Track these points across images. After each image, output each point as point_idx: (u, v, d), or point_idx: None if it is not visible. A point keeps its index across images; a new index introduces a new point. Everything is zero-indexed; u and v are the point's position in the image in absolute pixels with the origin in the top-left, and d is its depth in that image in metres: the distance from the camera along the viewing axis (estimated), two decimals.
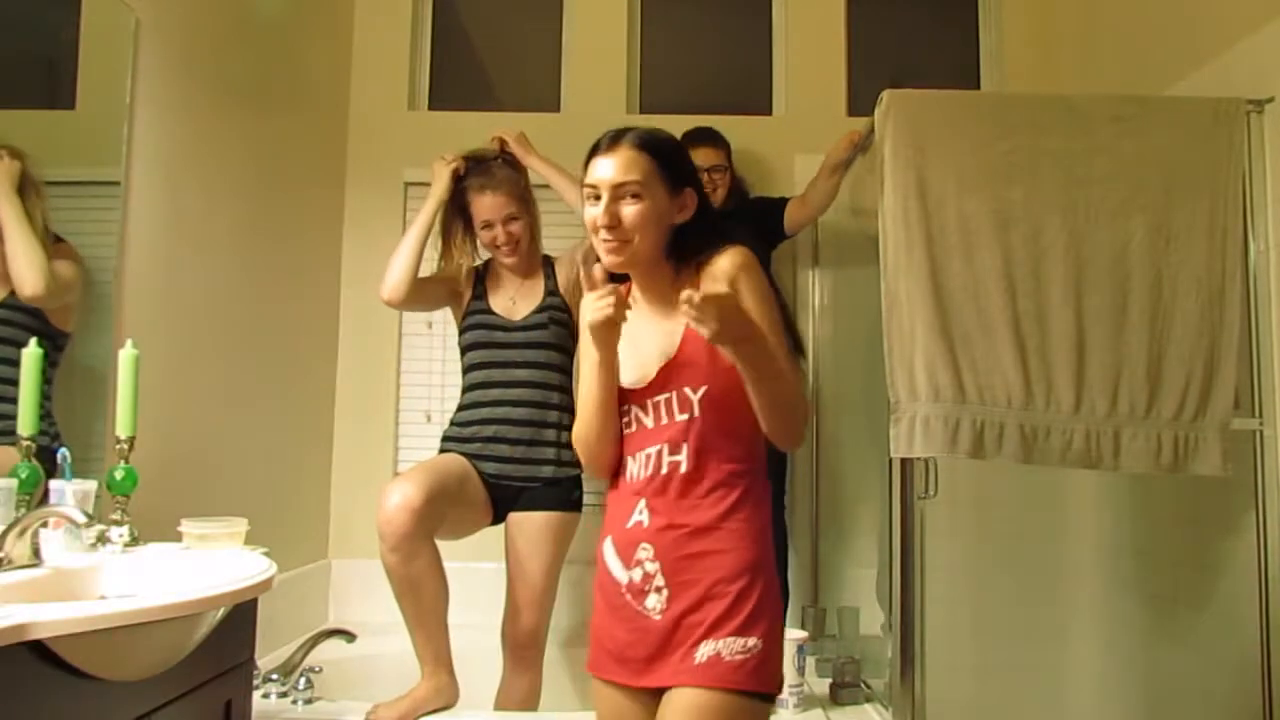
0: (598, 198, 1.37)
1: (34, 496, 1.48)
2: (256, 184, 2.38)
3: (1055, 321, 1.92)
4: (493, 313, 2.28)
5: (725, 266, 1.38)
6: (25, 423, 1.49)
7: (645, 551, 1.36)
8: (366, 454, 2.91)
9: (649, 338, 1.42)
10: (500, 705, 2.17)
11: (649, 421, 1.39)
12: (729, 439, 1.37)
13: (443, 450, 2.24)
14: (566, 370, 2.31)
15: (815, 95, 3.04)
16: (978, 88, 3.12)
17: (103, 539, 1.42)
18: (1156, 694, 2.33)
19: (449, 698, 2.01)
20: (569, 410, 2.29)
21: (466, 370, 2.29)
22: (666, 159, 1.39)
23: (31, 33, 1.69)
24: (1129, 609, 2.45)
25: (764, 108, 3.12)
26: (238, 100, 2.28)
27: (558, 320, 2.29)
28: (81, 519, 1.33)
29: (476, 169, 2.28)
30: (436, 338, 2.90)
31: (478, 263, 2.35)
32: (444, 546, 2.09)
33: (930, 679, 1.99)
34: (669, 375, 1.38)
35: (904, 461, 1.97)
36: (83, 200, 1.77)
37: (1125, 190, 1.96)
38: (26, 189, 1.58)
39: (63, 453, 1.52)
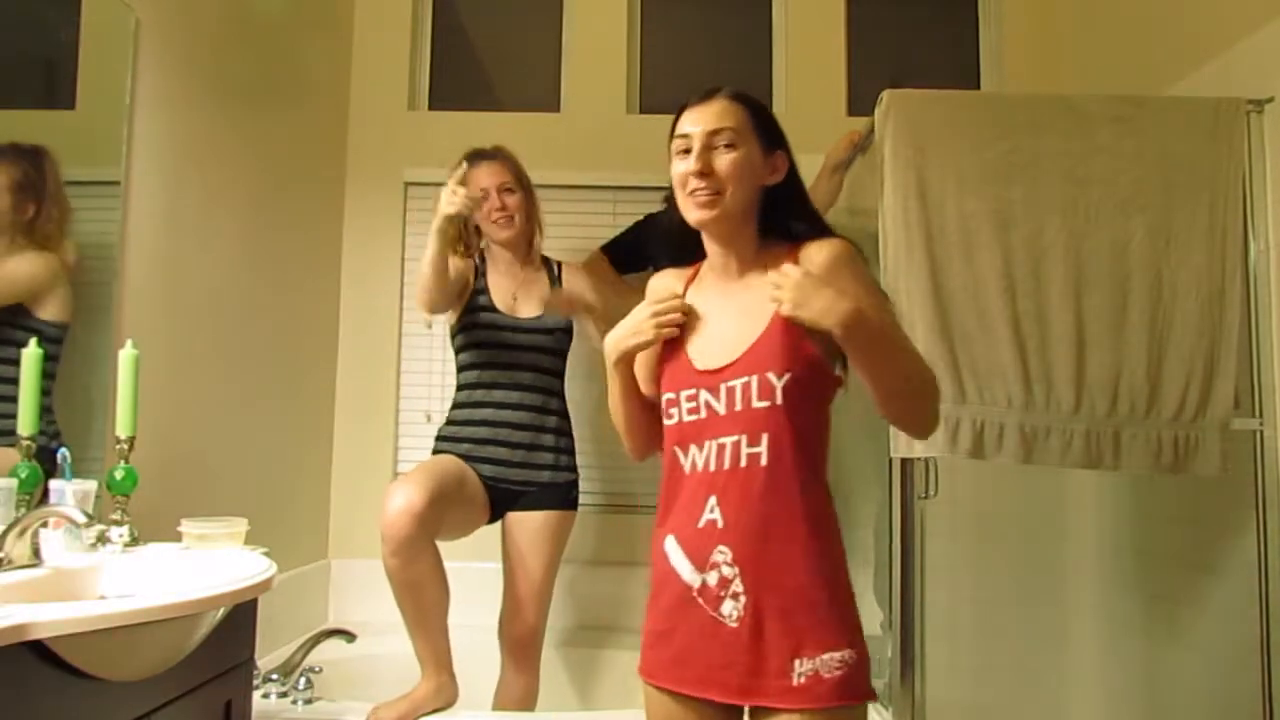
0: (687, 151, 1.29)
1: (34, 496, 1.48)
2: (256, 184, 2.38)
3: (1055, 321, 1.92)
4: (495, 309, 2.24)
5: (823, 258, 1.28)
6: (25, 422, 1.49)
7: (723, 554, 1.24)
8: (366, 454, 2.91)
9: (726, 315, 1.32)
10: (498, 705, 2.17)
11: (720, 407, 1.26)
12: (809, 433, 1.26)
13: (438, 450, 2.23)
14: (562, 376, 2.31)
15: (815, 95, 3.04)
16: (978, 88, 3.12)
17: (103, 539, 1.42)
18: (1156, 694, 2.33)
19: (449, 698, 2.01)
20: (567, 416, 2.31)
21: (465, 367, 2.27)
22: (760, 114, 1.33)
23: (31, 33, 1.69)
24: (1129, 609, 2.45)
25: None
26: (238, 100, 2.28)
27: (565, 329, 2.30)
28: (81, 519, 1.33)
29: (473, 153, 2.26)
30: (436, 338, 2.90)
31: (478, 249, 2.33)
32: (442, 546, 2.09)
33: (930, 679, 1.99)
34: (750, 358, 1.26)
35: (904, 461, 1.97)
36: (83, 200, 1.77)
37: (1125, 190, 1.96)
38: (27, 191, 1.59)
39: (63, 453, 1.52)
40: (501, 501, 2.20)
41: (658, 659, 1.31)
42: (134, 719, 1.22)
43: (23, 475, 1.46)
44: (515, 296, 2.27)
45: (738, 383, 1.25)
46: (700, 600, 1.25)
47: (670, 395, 1.32)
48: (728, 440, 1.25)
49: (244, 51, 2.33)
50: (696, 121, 1.30)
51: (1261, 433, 1.97)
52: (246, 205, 2.33)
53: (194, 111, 2.09)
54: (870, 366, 1.23)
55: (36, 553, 1.35)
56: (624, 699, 2.40)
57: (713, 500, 1.25)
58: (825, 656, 1.21)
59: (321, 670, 2.12)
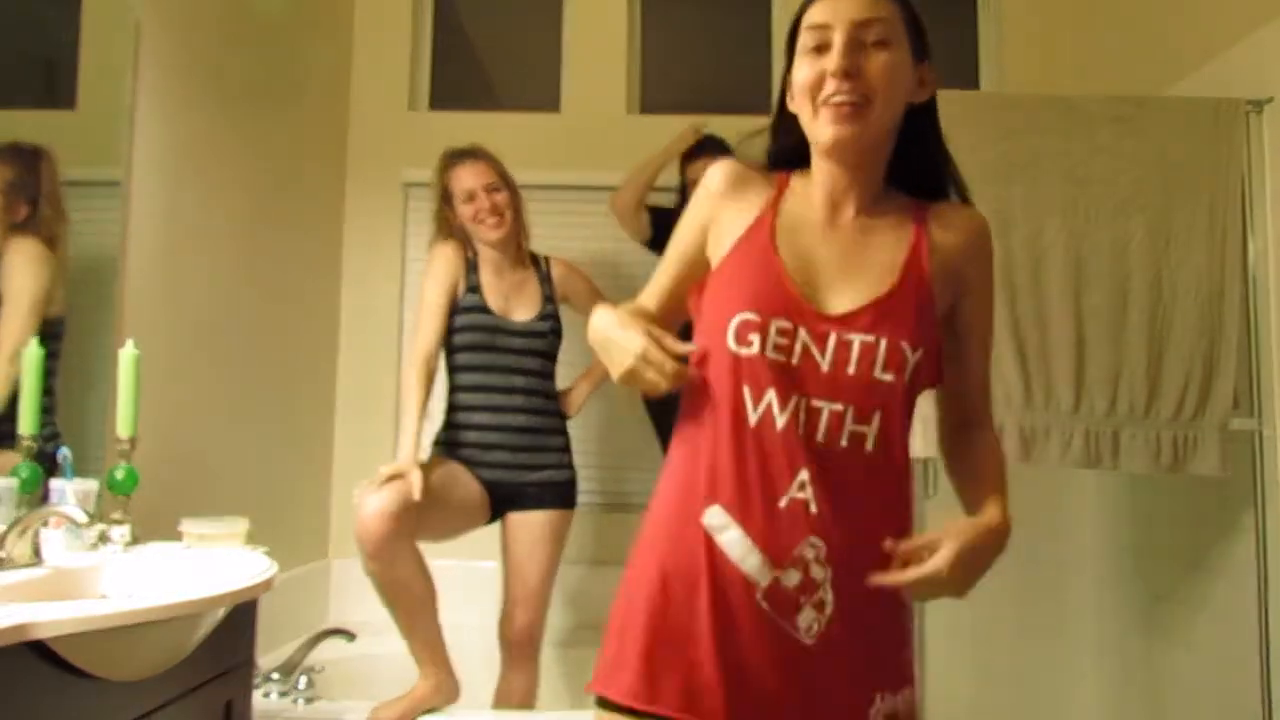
0: (820, 48, 1.00)
1: (34, 496, 1.48)
2: (257, 184, 2.38)
3: (1055, 321, 1.93)
4: (489, 311, 2.22)
5: (968, 227, 1.06)
6: (25, 422, 1.49)
7: (814, 548, 0.95)
8: (366, 454, 2.90)
9: (832, 252, 1.03)
10: (498, 704, 2.17)
11: (824, 362, 0.98)
12: (909, 423, 1.03)
13: (438, 454, 2.21)
14: (554, 376, 2.31)
15: None
16: (978, 88, 3.12)
17: (103, 539, 1.43)
18: (1156, 694, 2.33)
19: (449, 694, 2.01)
20: (561, 414, 2.31)
21: (459, 369, 2.24)
22: (911, 11, 1.06)
23: (31, 33, 1.69)
24: (1129, 609, 2.45)
25: (764, 108, 3.09)
26: (238, 100, 2.28)
27: (557, 331, 2.28)
28: (82, 519, 1.34)
29: (452, 153, 2.25)
30: None
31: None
32: (442, 545, 2.09)
33: (930, 679, 1.99)
34: (878, 313, 0.99)
35: None
36: (83, 200, 1.77)
37: (1125, 190, 1.96)
38: (20, 191, 1.58)
39: (63, 452, 1.52)
40: (502, 502, 2.20)
41: (658, 680, 0.96)
42: (134, 719, 1.22)
43: (23, 475, 1.46)
44: (507, 298, 2.25)
45: (857, 339, 0.98)
46: (765, 604, 0.95)
47: (751, 316, 0.98)
48: (826, 406, 0.97)
49: (244, 52, 2.33)
50: (839, 9, 0.99)
51: (1261, 433, 1.97)
52: (246, 205, 2.33)
53: (194, 111, 2.09)
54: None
55: (37, 553, 1.35)
56: None
57: (804, 475, 0.96)
58: (905, 693, 1.00)
59: (321, 670, 2.12)
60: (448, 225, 2.23)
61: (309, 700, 2.04)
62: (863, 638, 0.97)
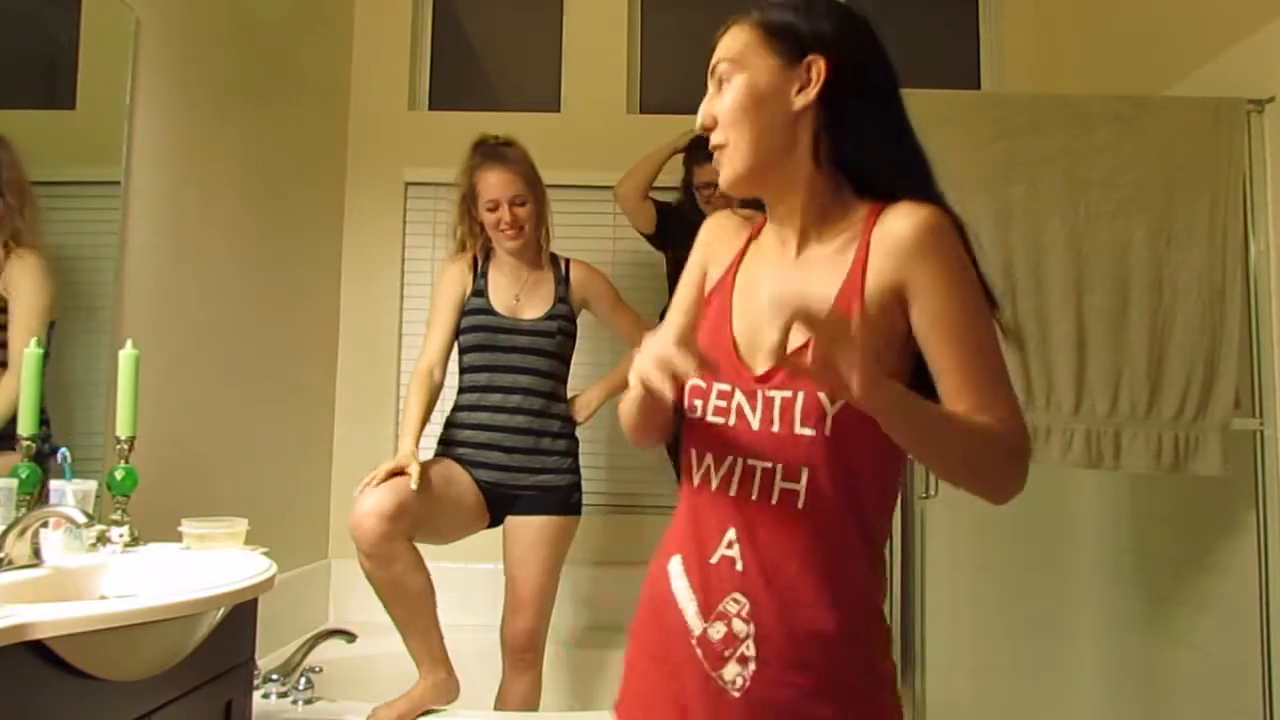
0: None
1: (34, 496, 1.48)
2: (257, 184, 2.38)
3: (1055, 321, 1.92)
4: (493, 311, 2.19)
5: (909, 230, 0.95)
6: (25, 423, 1.49)
7: (737, 604, 0.96)
8: (366, 454, 2.90)
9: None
10: (500, 707, 2.17)
11: (754, 421, 0.97)
12: (865, 474, 0.97)
13: (437, 453, 2.21)
14: (566, 379, 2.26)
15: None
16: (978, 88, 3.12)
17: (103, 539, 1.43)
18: (1156, 694, 2.33)
19: (448, 693, 2.00)
20: (570, 418, 2.27)
21: (466, 369, 2.23)
22: (773, 22, 1.00)
23: (31, 33, 1.69)
24: (1129, 609, 2.45)
25: None
26: (238, 100, 2.28)
27: (566, 331, 2.24)
28: (82, 519, 1.33)
29: (486, 149, 2.21)
30: None
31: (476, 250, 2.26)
32: (443, 548, 2.09)
33: (930, 679, 1.99)
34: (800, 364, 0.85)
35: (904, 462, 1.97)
36: (83, 200, 1.77)
37: (1125, 190, 1.96)
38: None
39: (63, 453, 1.52)
40: (501, 503, 2.18)
41: (631, 698, 1.08)
42: (134, 719, 1.22)
43: (23, 475, 1.46)
44: (518, 298, 2.21)
45: (778, 395, 0.95)
46: (699, 650, 0.98)
47: (698, 382, 1.01)
48: (757, 465, 0.97)
49: (244, 51, 2.33)
50: (715, 53, 1.02)
51: (1261, 433, 1.97)
52: (246, 205, 2.33)
53: (194, 111, 2.08)
54: (909, 449, 0.95)
55: (37, 553, 1.35)
56: None
57: (732, 534, 0.98)
58: None
59: (321, 670, 2.12)
60: (468, 218, 2.22)
61: (309, 701, 2.04)
62: (796, 699, 0.95)
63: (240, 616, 1.46)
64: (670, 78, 3.15)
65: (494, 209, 2.17)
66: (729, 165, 1.00)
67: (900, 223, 0.96)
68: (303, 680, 2.06)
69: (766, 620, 0.95)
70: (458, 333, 2.21)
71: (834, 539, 0.96)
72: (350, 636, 2.24)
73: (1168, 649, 2.29)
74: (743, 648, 0.95)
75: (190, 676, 1.33)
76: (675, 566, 1.02)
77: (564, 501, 2.20)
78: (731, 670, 0.96)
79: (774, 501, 0.96)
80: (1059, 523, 2.63)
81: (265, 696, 2.01)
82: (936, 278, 0.95)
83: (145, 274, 1.89)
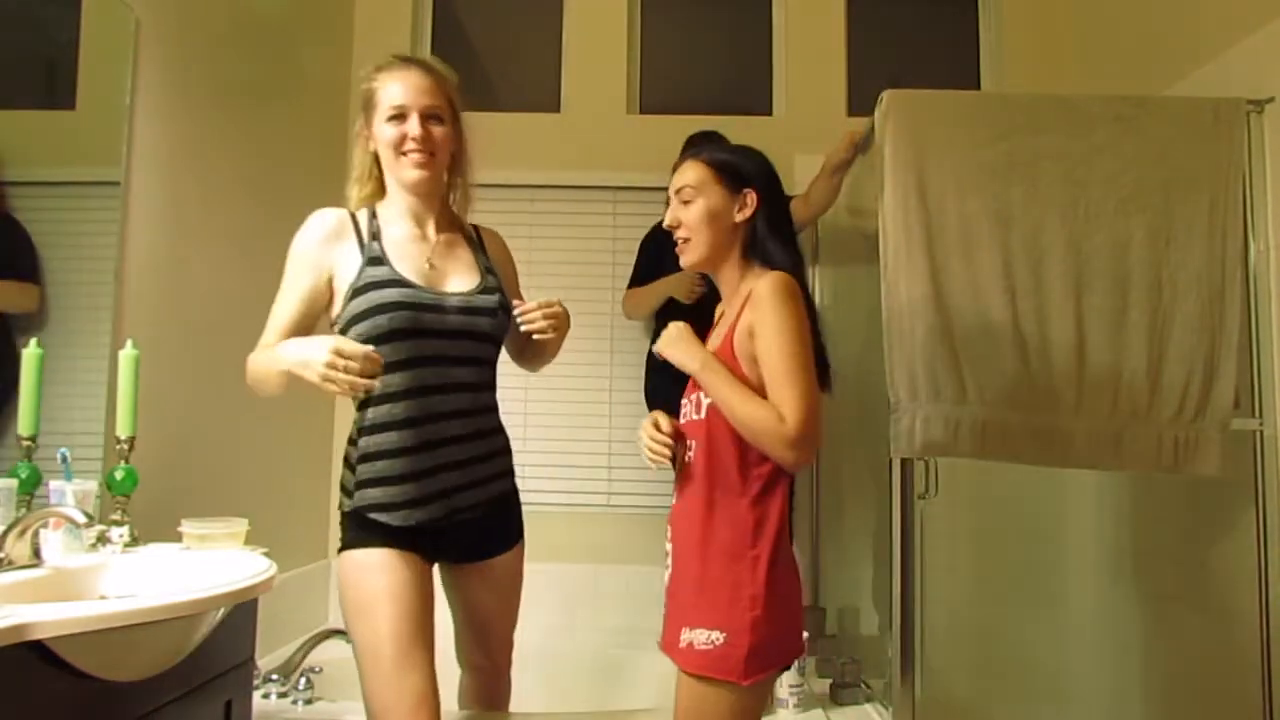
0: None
1: (34, 496, 1.48)
2: (257, 184, 2.38)
3: (1055, 321, 1.92)
4: (407, 283, 1.57)
5: (756, 290, 1.41)
6: (25, 423, 1.49)
7: (670, 531, 1.55)
8: None
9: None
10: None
11: (690, 411, 1.52)
12: (726, 445, 1.43)
13: (355, 516, 1.58)
14: (495, 365, 1.72)
15: (815, 95, 3.04)
16: (978, 88, 3.12)
17: (103, 539, 1.43)
18: (1156, 694, 2.34)
19: None
20: (497, 409, 1.74)
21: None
22: (720, 161, 1.51)
23: (31, 33, 1.69)
24: (1129, 609, 2.45)
25: (764, 108, 3.12)
26: (238, 100, 2.28)
27: (505, 307, 1.65)
28: (81, 519, 1.33)
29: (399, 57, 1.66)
30: None
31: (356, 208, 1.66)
32: None
33: (930, 679, 1.99)
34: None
35: (904, 461, 1.97)
36: (83, 200, 1.77)
37: (1125, 190, 1.96)
38: None
39: (63, 453, 1.52)
40: (441, 537, 1.62)
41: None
42: (134, 719, 1.22)
43: (23, 475, 1.46)
44: (431, 264, 1.62)
45: (695, 395, 1.50)
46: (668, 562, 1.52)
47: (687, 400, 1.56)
48: (692, 442, 1.50)
49: (244, 51, 2.33)
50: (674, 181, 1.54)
51: (1261, 433, 1.97)
52: (246, 206, 2.33)
53: (194, 112, 2.09)
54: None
55: (37, 553, 1.35)
56: (634, 699, 2.41)
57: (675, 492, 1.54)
58: (713, 634, 1.39)
59: (321, 670, 2.12)
60: (362, 151, 1.67)
61: (309, 701, 2.04)
62: (682, 588, 1.45)
63: (240, 616, 1.46)
64: (670, 78, 3.15)
65: (399, 118, 1.57)
66: (691, 254, 1.51)
67: (757, 284, 1.41)
68: (303, 680, 2.06)
69: (676, 543, 1.53)
70: (350, 320, 1.57)
71: (702, 487, 1.45)
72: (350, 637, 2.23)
73: (1168, 649, 2.29)
74: (669, 559, 1.53)
75: (190, 676, 1.34)
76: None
77: (518, 515, 1.77)
78: (667, 573, 1.52)
79: (687, 462, 1.52)
80: (1058, 522, 2.63)
81: (265, 696, 2.01)
82: (763, 326, 1.38)
83: (144, 274, 1.90)
